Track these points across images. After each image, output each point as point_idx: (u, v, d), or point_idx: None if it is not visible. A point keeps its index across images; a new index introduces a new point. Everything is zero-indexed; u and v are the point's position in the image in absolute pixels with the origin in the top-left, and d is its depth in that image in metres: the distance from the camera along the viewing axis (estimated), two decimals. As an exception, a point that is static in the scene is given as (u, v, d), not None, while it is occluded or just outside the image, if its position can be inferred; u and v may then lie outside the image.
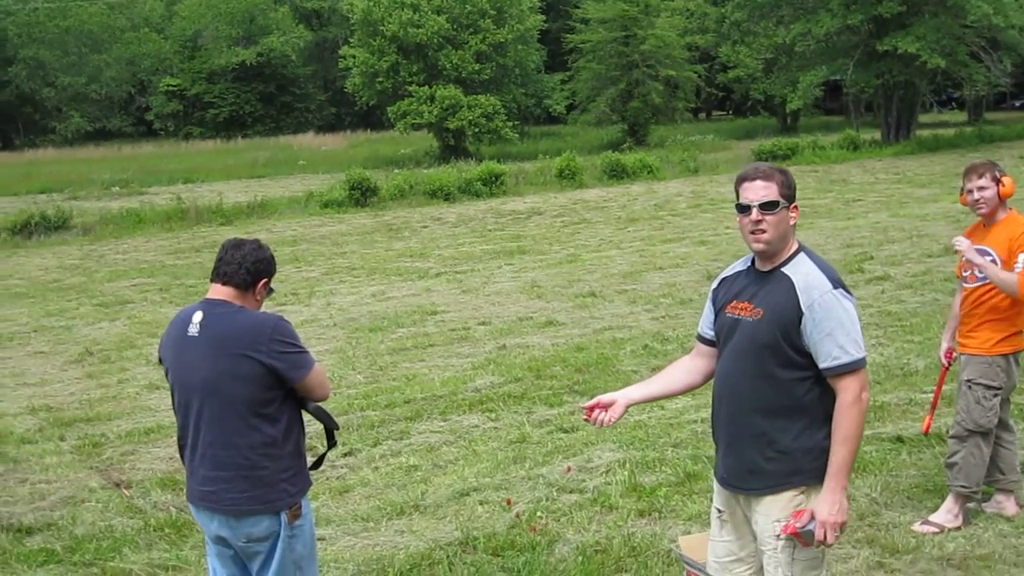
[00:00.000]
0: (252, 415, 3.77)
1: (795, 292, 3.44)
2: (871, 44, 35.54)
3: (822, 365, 3.42)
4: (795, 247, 3.57)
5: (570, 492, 6.30)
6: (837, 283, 3.47)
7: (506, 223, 21.21)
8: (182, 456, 4.00)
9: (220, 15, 62.75)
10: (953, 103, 61.02)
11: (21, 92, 61.68)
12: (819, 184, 25.32)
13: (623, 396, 3.82)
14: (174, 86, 63.71)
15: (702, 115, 66.11)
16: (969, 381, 5.49)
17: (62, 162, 46.12)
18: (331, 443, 4.13)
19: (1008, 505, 5.67)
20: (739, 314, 3.58)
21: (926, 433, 6.27)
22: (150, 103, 66.34)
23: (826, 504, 3.42)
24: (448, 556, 5.43)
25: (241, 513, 3.81)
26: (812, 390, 3.47)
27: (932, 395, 7.66)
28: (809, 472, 3.48)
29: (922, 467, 6.37)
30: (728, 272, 3.78)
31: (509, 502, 6.16)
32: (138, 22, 68.13)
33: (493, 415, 8.11)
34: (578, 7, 47.48)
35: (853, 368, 3.41)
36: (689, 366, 3.91)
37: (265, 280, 3.95)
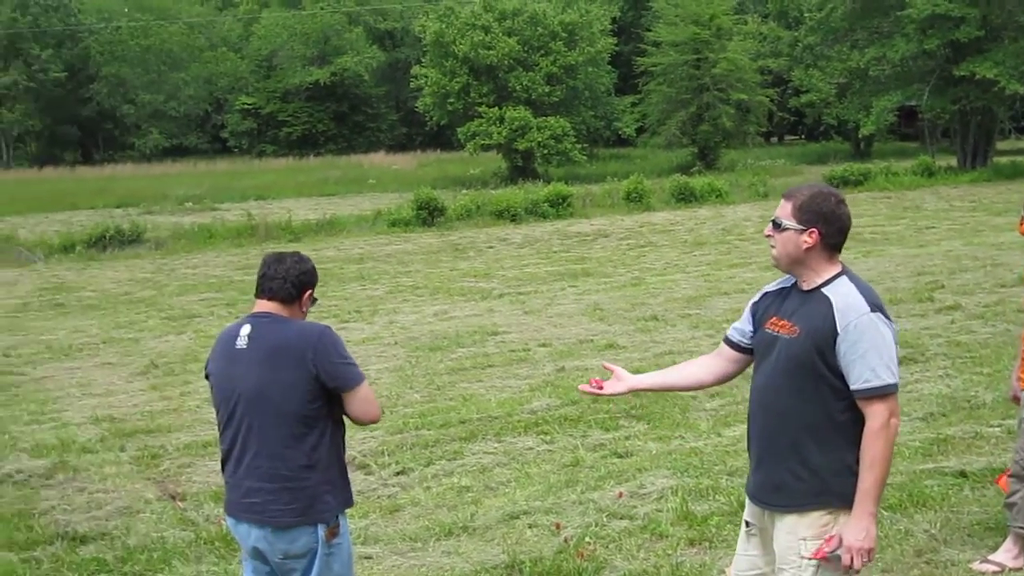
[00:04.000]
0: (298, 426, 3.79)
1: (832, 312, 3.43)
2: (947, 69, 34.93)
3: (853, 387, 3.39)
4: (837, 269, 3.54)
5: (620, 518, 6.21)
6: (876, 307, 3.44)
7: (571, 245, 21.18)
8: (223, 469, 4.02)
9: (295, 35, 63.84)
10: (1033, 130, 59.72)
11: (102, 108, 63.35)
12: (891, 211, 24.92)
13: (633, 379, 3.93)
14: (249, 105, 64.87)
15: (774, 139, 65.51)
16: None
17: (139, 177, 47.18)
18: None
19: None
20: (777, 331, 3.57)
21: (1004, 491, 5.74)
22: (226, 121, 67.62)
23: (853, 530, 3.39)
24: (493, 579, 5.40)
25: (281, 526, 3.82)
26: (846, 411, 3.44)
27: (998, 429, 7.49)
28: (837, 494, 3.45)
29: (985, 504, 6.17)
30: (771, 287, 3.77)
31: (558, 526, 6.09)
32: (216, 42, 69.54)
33: (548, 438, 8.05)
34: (649, 30, 47.37)
35: (883, 393, 3.38)
36: (706, 363, 3.97)
37: (309, 291, 3.98)
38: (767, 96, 45.96)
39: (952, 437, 7.50)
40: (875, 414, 3.38)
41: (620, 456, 7.50)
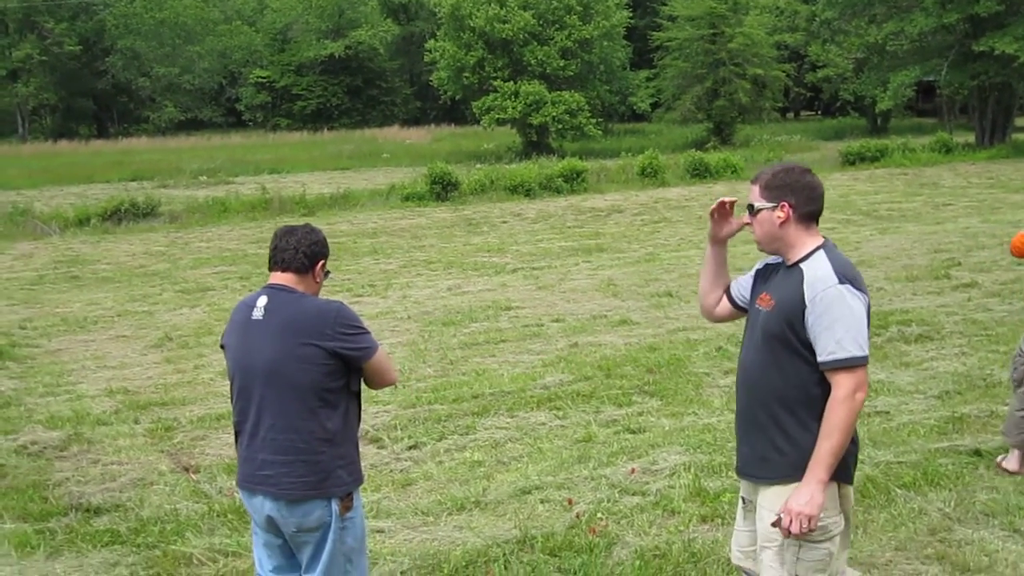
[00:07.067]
0: (314, 400, 3.79)
1: (802, 285, 3.48)
2: (967, 44, 34.56)
3: (819, 359, 3.44)
4: (817, 242, 3.59)
5: (633, 494, 6.21)
6: (845, 279, 3.45)
7: (585, 220, 21.11)
8: (237, 441, 4.02)
9: (310, 8, 63.71)
10: (1052, 106, 59.16)
11: (117, 82, 63.25)
12: (908, 187, 24.78)
13: (724, 238, 3.92)
14: (263, 78, 64.84)
15: (790, 115, 65.17)
16: None
17: (154, 151, 47.22)
18: None
19: None
20: (760, 306, 3.64)
21: None
22: (240, 94, 67.55)
23: (798, 495, 3.42)
24: (505, 554, 5.38)
25: (295, 499, 3.82)
26: (820, 384, 3.48)
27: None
28: None
29: (999, 483, 6.14)
30: (771, 259, 3.80)
31: (570, 502, 6.09)
32: (231, 15, 69.36)
33: (560, 413, 8.05)
34: (665, 4, 47.05)
35: (848, 365, 3.39)
36: (715, 291, 3.99)
37: (322, 262, 3.98)
38: (783, 71, 45.70)
39: (967, 416, 7.46)
40: (839, 385, 3.40)
41: (633, 432, 7.49)
